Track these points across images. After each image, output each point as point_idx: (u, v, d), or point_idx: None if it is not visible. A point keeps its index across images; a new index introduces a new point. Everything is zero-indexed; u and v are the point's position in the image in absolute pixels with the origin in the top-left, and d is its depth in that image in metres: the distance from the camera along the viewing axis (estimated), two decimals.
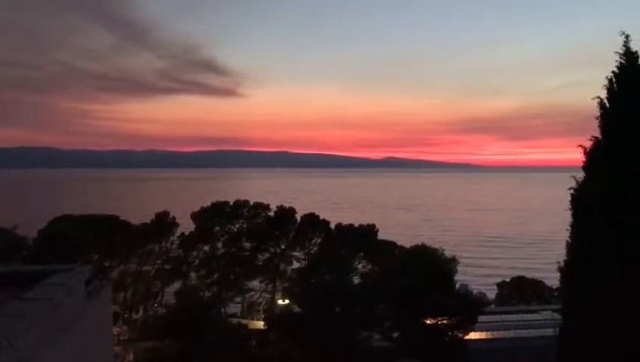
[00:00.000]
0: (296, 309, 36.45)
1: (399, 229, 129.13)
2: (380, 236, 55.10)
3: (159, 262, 54.78)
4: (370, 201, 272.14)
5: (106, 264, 50.11)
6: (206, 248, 55.31)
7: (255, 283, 57.41)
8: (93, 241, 47.94)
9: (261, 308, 55.47)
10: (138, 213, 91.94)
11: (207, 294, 52.42)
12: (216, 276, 54.38)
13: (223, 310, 53.33)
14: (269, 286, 56.33)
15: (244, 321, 48.02)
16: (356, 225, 55.53)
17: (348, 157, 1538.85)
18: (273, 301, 53.90)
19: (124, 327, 47.50)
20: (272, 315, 40.42)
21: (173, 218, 55.54)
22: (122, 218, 53.83)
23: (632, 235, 15.26)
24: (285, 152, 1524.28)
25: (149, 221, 54.47)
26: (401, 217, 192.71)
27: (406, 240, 56.47)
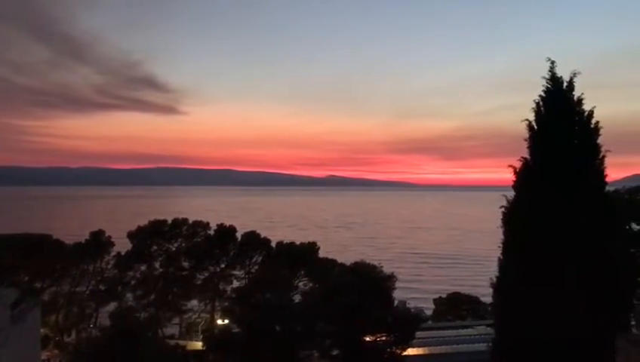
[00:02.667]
0: (236, 329, 35.88)
1: (339, 247, 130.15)
2: (321, 254, 55.27)
3: (94, 282, 52.97)
4: (311, 219, 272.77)
5: (37, 285, 48.08)
6: (143, 268, 53.84)
7: (194, 304, 56.30)
8: (23, 262, 45.97)
9: (200, 328, 54.40)
10: (72, 232, 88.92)
11: (143, 315, 50.98)
12: (153, 296, 52.97)
13: (160, 331, 51.97)
14: (208, 306, 55.37)
15: (182, 342, 46.89)
16: (297, 243, 55.52)
17: (290, 175, 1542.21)
18: (212, 321, 52.98)
19: (55, 351, 45.57)
20: (211, 335, 39.60)
21: (109, 237, 53.89)
22: (55, 237, 51.89)
23: (559, 252, 15.99)
24: (227, 170, 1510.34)
25: (83, 240, 52.70)
26: (342, 235, 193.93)
27: (346, 257, 56.93)
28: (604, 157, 17.14)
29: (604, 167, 17.17)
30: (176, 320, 56.29)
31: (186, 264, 54.86)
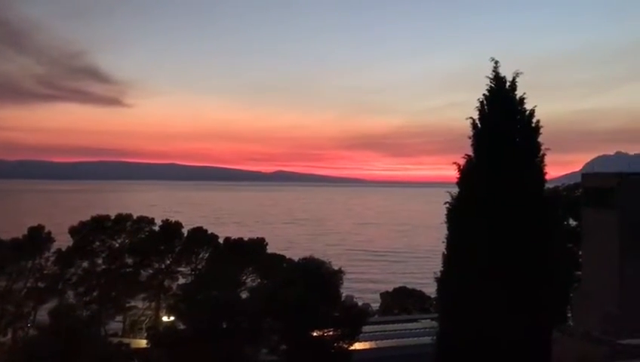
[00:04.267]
0: (182, 326, 35.41)
1: (288, 243, 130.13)
2: (269, 250, 55.23)
3: (32, 280, 51.21)
4: (259, 215, 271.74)
5: None
6: (85, 264, 52.57)
7: (138, 301, 55.30)
8: None
9: (144, 326, 53.48)
10: (9, 228, 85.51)
11: (85, 313, 49.70)
12: (95, 294, 51.78)
13: (102, 329, 50.80)
14: (153, 303, 54.50)
15: (125, 340, 45.99)
16: (245, 239, 55.22)
17: (238, 170, 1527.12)
18: (157, 318, 52.18)
19: None
20: (156, 333, 38.92)
21: (49, 233, 52.23)
22: None
23: (498, 247, 16.44)
24: (173, 164, 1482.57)
25: (20, 236, 50.82)
26: (291, 231, 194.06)
27: (294, 253, 56.96)
28: (544, 155, 17.69)
29: (544, 165, 17.75)
30: (119, 318, 55.19)
31: (130, 260, 53.92)
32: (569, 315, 22.87)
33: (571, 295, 24.33)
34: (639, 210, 21.73)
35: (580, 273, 25.61)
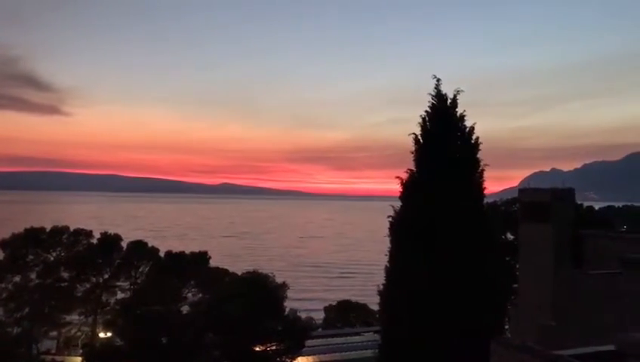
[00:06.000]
0: (119, 342, 34.37)
1: (231, 257, 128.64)
2: (212, 264, 54.35)
3: None
4: (203, 228, 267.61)
5: None
6: (17, 279, 50.18)
7: (74, 316, 53.28)
8: None
9: (80, 342, 51.59)
10: None
11: (16, 330, 47.50)
12: (27, 310, 49.48)
13: (35, 347, 48.65)
14: (90, 318, 52.62)
15: (59, 358, 44.46)
16: (187, 252, 54.21)
17: (182, 182, 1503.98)
18: (94, 334, 50.43)
19: None
20: (92, 350, 37.64)
21: None
22: None
23: (439, 260, 16.75)
24: (114, 175, 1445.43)
25: None
26: (234, 244, 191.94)
27: (238, 267, 56.39)
28: (483, 170, 18.21)
29: (483, 180, 18.25)
30: (53, 334, 53.00)
31: (65, 274, 51.85)
32: (506, 327, 23.45)
33: (508, 307, 25.02)
34: (572, 224, 22.65)
35: (516, 285, 26.41)
